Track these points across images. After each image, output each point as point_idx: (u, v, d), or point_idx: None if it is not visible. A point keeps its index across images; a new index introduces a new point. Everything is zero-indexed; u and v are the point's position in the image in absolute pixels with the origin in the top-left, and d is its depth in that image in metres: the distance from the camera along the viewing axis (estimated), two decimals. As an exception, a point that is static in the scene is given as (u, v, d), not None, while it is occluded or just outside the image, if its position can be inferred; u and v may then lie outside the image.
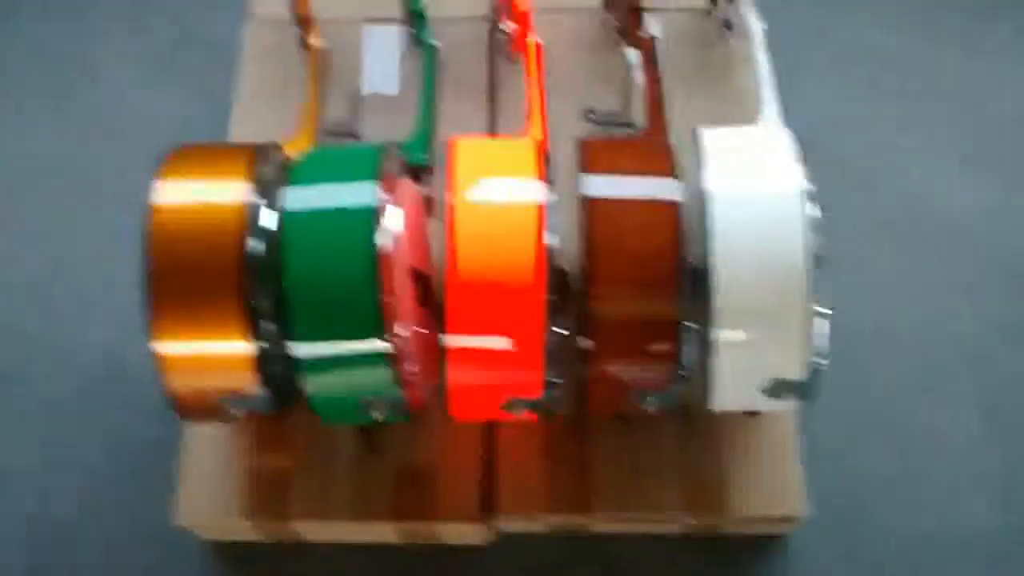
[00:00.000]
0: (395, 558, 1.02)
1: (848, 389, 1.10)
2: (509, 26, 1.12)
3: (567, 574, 1.03)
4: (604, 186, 0.80)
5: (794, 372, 0.80)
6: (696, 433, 0.98)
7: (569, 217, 0.80)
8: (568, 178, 0.86)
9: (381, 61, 1.18)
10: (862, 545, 1.04)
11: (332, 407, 0.84)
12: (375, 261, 0.75)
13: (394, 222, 0.78)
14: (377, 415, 0.82)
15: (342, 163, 0.82)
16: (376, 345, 0.77)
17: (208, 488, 0.97)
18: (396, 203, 0.80)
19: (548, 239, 0.76)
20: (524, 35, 1.07)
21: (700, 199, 0.78)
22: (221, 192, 0.79)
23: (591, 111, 1.12)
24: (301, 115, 1.01)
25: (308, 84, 1.06)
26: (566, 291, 0.81)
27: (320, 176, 0.81)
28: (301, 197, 0.79)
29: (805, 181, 0.78)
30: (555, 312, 0.78)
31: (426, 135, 0.98)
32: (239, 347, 0.78)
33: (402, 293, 0.80)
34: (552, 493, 0.96)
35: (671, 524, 0.99)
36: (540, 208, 0.77)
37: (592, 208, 0.78)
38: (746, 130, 0.89)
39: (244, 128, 1.15)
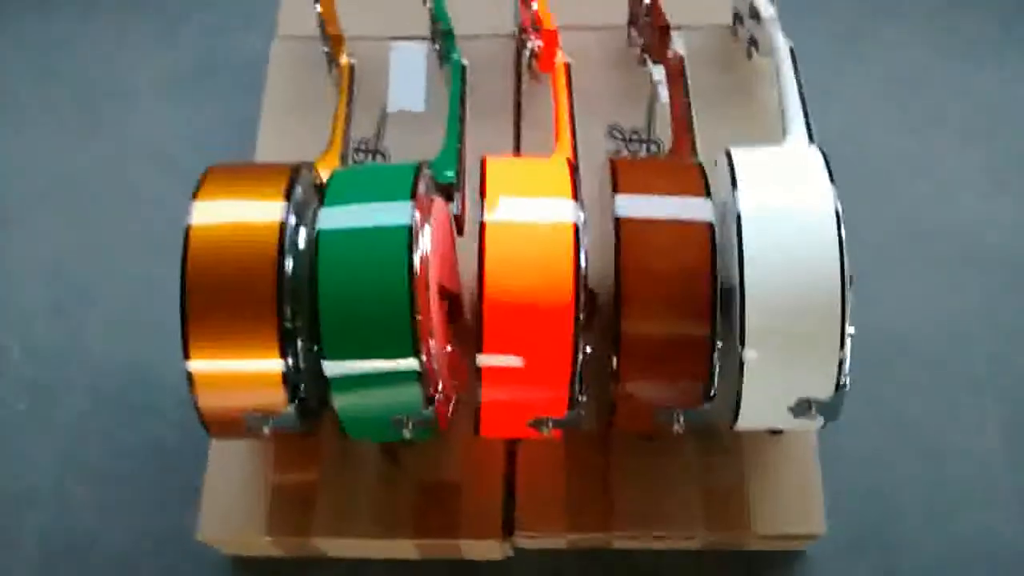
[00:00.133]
0: (415, 572, 1.02)
1: (870, 404, 1.10)
2: (535, 44, 1.12)
3: (588, 588, 1.03)
4: (636, 206, 0.80)
5: (822, 392, 0.79)
6: (717, 450, 0.98)
7: (594, 234, 0.80)
8: (593, 194, 0.86)
9: (407, 78, 1.19)
10: (884, 560, 1.04)
11: (362, 425, 0.84)
12: (410, 281, 0.75)
13: (427, 242, 0.78)
14: (407, 433, 0.82)
15: (377, 182, 0.83)
16: (408, 364, 0.77)
17: (230, 503, 0.97)
18: (428, 222, 0.80)
19: (581, 259, 0.76)
20: (551, 53, 1.07)
21: (732, 219, 0.78)
22: (258, 212, 0.79)
23: (615, 128, 1.12)
24: (330, 133, 1.01)
25: (338, 102, 1.06)
26: (592, 308, 0.81)
27: (355, 196, 0.81)
28: (337, 216, 0.79)
29: (838, 202, 0.77)
30: (582, 330, 0.78)
31: (453, 153, 0.98)
32: (272, 365, 0.78)
33: (433, 312, 0.80)
34: (573, 510, 0.96)
35: (692, 540, 0.99)
36: (574, 228, 0.77)
37: (624, 228, 0.78)
38: (778, 150, 0.89)
39: (270, 145, 1.15)
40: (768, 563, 1.03)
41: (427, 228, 0.80)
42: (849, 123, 1.32)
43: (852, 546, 1.03)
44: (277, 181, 0.82)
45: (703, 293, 0.77)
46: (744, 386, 0.78)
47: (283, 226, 0.79)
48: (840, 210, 0.77)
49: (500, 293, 0.76)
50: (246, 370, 0.79)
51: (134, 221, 1.28)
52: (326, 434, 0.89)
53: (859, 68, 1.40)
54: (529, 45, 1.14)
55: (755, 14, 1.10)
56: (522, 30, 1.18)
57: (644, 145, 1.12)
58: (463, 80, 1.07)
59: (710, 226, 0.78)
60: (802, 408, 0.80)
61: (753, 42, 1.14)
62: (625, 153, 1.11)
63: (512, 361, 0.77)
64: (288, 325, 0.77)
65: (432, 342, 0.79)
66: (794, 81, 0.99)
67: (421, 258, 0.77)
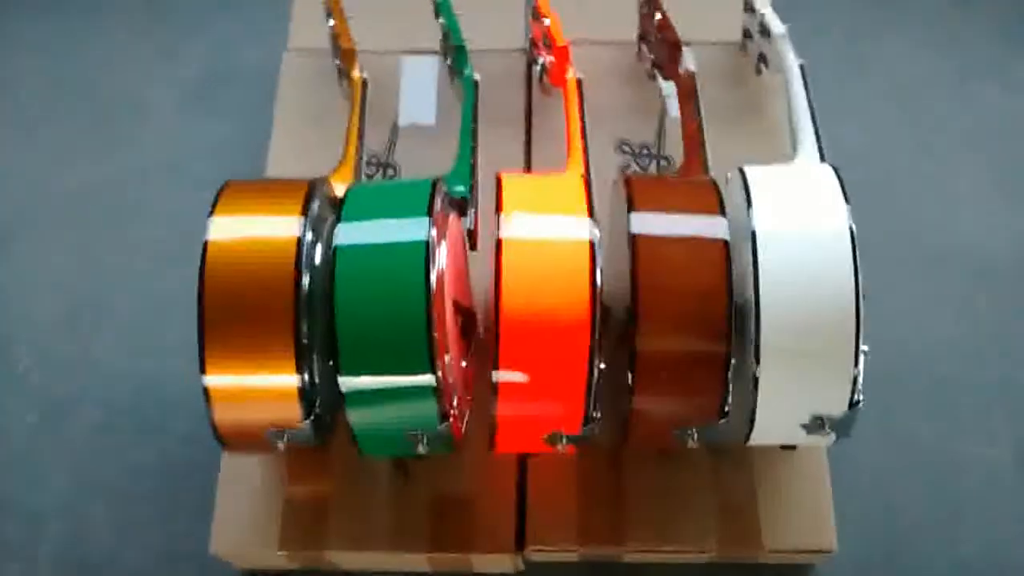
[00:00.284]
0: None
1: (880, 420, 1.10)
2: (546, 59, 1.13)
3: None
4: (651, 224, 0.80)
5: (836, 409, 0.80)
6: (729, 464, 0.98)
7: (607, 251, 0.81)
8: (603, 208, 0.87)
9: (418, 92, 1.20)
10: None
11: (376, 440, 0.84)
12: (427, 297, 0.75)
13: (443, 257, 0.79)
14: (421, 448, 0.82)
15: (394, 198, 0.83)
16: (425, 379, 0.77)
17: (244, 517, 0.97)
18: (444, 238, 0.81)
19: (598, 277, 0.77)
20: (563, 69, 1.08)
21: (746, 237, 0.79)
22: (275, 228, 0.80)
23: (625, 143, 1.13)
24: (343, 147, 1.02)
25: (350, 116, 1.06)
26: (605, 324, 0.81)
27: (372, 211, 0.81)
28: (353, 232, 0.79)
29: (851, 220, 0.78)
30: (597, 346, 0.78)
31: (467, 167, 0.98)
32: (288, 381, 0.78)
33: (448, 327, 0.81)
34: (585, 524, 0.97)
35: (704, 555, 0.99)
36: (591, 245, 0.78)
37: (640, 245, 0.79)
38: (792, 168, 0.90)
39: (282, 158, 1.16)
40: (779, 576, 1.04)
41: (443, 244, 0.80)
42: (855, 139, 1.33)
43: (862, 562, 1.04)
44: (294, 197, 0.83)
45: (718, 311, 0.77)
46: (758, 403, 0.79)
47: (300, 242, 0.79)
48: (854, 229, 0.77)
49: (517, 310, 0.76)
50: (262, 385, 0.79)
51: (145, 233, 1.29)
52: (338, 447, 0.89)
53: (862, 83, 1.41)
54: (540, 60, 1.15)
55: (765, 31, 1.10)
56: (533, 45, 1.18)
57: (654, 160, 1.13)
58: (475, 95, 1.07)
59: (725, 244, 0.79)
60: (815, 425, 0.80)
61: (762, 58, 1.14)
62: (635, 168, 1.12)
63: (528, 378, 0.78)
64: (304, 341, 0.78)
65: (447, 357, 0.79)
66: (804, 98, 1.00)
67: (437, 274, 0.77)
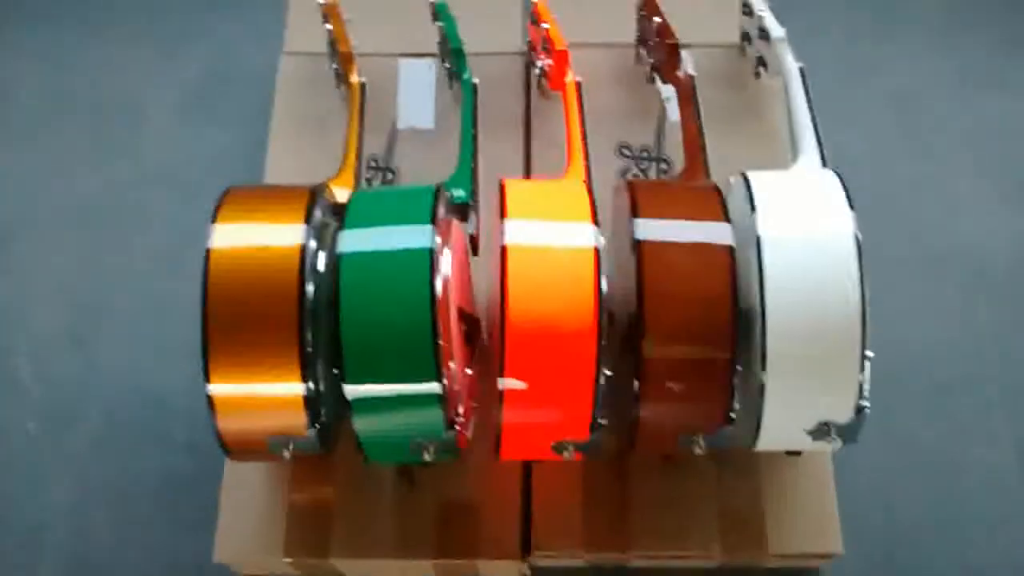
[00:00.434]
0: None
1: (882, 424, 1.10)
2: (545, 62, 1.13)
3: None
4: (656, 230, 0.80)
5: (842, 415, 0.80)
6: (734, 470, 0.98)
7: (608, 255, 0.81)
8: (604, 212, 0.86)
9: (416, 96, 1.19)
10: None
11: (382, 448, 0.84)
12: (433, 304, 0.75)
13: (447, 264, 0.79)
14: (427, 456, 0.82)
15: (397, 205, 0.83)
16: (431, 387, 0.77)
17: (248, 524, 0.97)
18: (448, 245, 0.80)
19: (603, 284, 0.77)
20: (562, 73, 1.08)
21: (750, 242, 0.79)
22: (278, 235, 0.79)
23: (625, 146, 1.13)
24: (343, 152, 1.01)
25: (349, 121, 1.06)
26: (609, 329, 0.81)
27: (375, 218, 0.81)
28: (357, 239, 0.79)
29: (857, 227, 0.78)
30: (602, 353, 0.78)
31: (468, 172, 0.98)
32: (293, 389, 0.78)
33: (453, 335, 0.81)
34: (590, 529, 0.97)
35: (709, 559, 0.99)
36: (595, 252, 0.78)
37: (644, 251, 0.79)
38: (795, 173, 0.90)
39: (280, 162, 1.15)
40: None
41: (447, 251, 0.80)
42: (854, 141, 1.33)
43: (865, 564, 1.04)
44: (296, 204, 0.82)
45: (724, 317, 0.77)
46: (764, 409, 0.79)
47: (304, 249, 0.79)
48: (860, 235, 0.78)
49: (522, 317, 0.76)
50: (267, 394, 0.79)
51: (145, 239, 1.28)
52: (342, 453, 0.89)
53: (862, 89, 1.41)
54: (538, 64, 1.15)
55: (764, 34, 1.10)
56: (531, 48, 1.18)
57: (653, 163, 1.13)
58: (475, 99, 1.07)
59: (730, 249, 0.79)
60: (822, 431, 0.81)
61: (761, 62, 1.14)
62: (635, 171, 1.12)
63: (534, 385, 0.77)
64: (309, 349, 0.78)
65: (452, 365, 0.79)
66: (805, 102, 1.00)
67: (442, 281, 0.77)
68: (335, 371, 0.78)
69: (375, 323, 0.76)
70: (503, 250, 0.78)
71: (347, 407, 0.79)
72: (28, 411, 1.17)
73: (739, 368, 0.79)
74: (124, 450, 1.14)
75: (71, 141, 1.39)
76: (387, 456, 0.87)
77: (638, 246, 0.79)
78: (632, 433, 0.83)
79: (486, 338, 0.93)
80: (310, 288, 0.78)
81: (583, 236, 0.79)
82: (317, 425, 0.81)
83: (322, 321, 0.78)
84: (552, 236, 0.79)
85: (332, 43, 1.15)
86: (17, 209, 1.33)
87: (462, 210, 0.95)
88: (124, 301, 1.24)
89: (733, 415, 0.81)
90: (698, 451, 0.83)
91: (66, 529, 1.09)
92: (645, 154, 1.13)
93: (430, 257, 0.76)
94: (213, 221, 0.81)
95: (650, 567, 1.02)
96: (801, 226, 0.79)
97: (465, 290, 0.93)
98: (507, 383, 0.77)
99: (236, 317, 0.77)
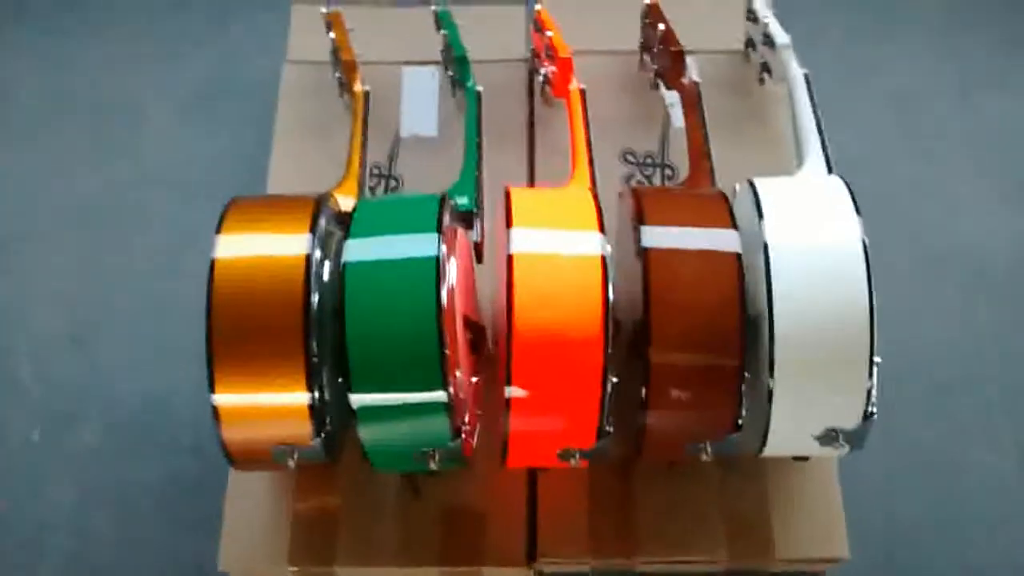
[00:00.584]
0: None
1: (883, 424, 1.10)
2: (548, 70, 1.13)
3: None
4: (663, 237, 0.80)
5: (849, 421, 0.80)
6: (740, 475, 0.98)
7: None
8: (610, 220, 0.86)
9: (419, 103, 1.19)
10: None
11: (388, 456, 0.84)
12: (439, 313, 0.75)
13: (452, 273, 0.79)
14: (433, 464, 0.82)
15: (402, 213, 0.83)
16: (437, 396, 0.77)
17: (252, 533, 0.97)
18: (453, 253, 0.80)
19: (610, 292, 0.77)
20: (566, 80, 1.08)
21: (757, 249, 0.79)
22: (283, 245, 0.79)
23: (629, 153, 1.13)
24: (347, 160, 1.01)
25: (353, 129, 1.06)
26: (615, 336, 0.81)
27: (381, 227, 0.81)
28: (363, 248, 0.79)
29: (864, 233, 0.78)
30: (609, 361, 0.78)
31: (472, 180, 0.98)
32: (299, 399, 0.78)
33: (459, 343, 0.81)
34: (596, 536, 0.96)
35: (715, 565, 0.99)
36: (602, 260, 0.78)
37: (651, 259, 0.79)
38: (802, 179, 0.90)
39: (283, 170, 1.15)
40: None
41: (453, 260, 0.80)
42: (856, 146, 1.33)
43: (868, 566, 1.04)
44: (301, 213, 0.82)
45: (731, 324, 0.77)
46: (772, 416, 0.79)
47: (309, 259, 0.79)
48: (867, 242, 0.77)
49: (530, 326, 0.76)
50: (272, 403, 0.79)
51: (147, 243, 1.28)
52: (346, 462, 0.89)
53: (862, 90, 1.41)
54: (542, 71, 1.15)
55: (768, 40, 1.10)
56: (534, 56, 1.18)
57: (658, 170, 1.13)
58: (478, 107, 1.07)
59: (737, 256, 0.79)
60: (829, 437, 0.80)
61: (765, 68, 1.14)
62: (639, 178, 1.12)
63: (541, 393, 0.77)
64: (314, 358, 0.77)
65: (458, 373, 0.79)
66: (810, 108, 1.00)
67: (448, 290, 0.77)
68: (340, 380, 0.78)
69: (381, 332, 0.76)
70: (510, 259, 0.78)
71: (352, 416, 0.79)
72: (28, 412, 1.17)
73: (747, 375, 0.79)
74: (125, 452, 1.14)
75: (71, 142, 1.39)
76: (392, 464, 0.87)
77: (645, 253, 0.79)
78: (639, 440, 0.82)
79: (491, 346, 0.93)
80: (315, 298, 0.78)
81: (590, 244, 0.79)
82: (322, 434, 0.80)
83: (327, 330, 0.78)
84: (559, 244, 0.79)
85: (335, 52, 1.15)
86: (17, 210, 1.33)
87: (466, 218, 0.95)
88: (124, 302, 1.24)
89: (741, 422, 0.80)
90: (705, 458, 0.83)
91: (66, 531, 1.09)
92: (649, 161, 1.13)
93: (436, 266, 0.76)
94: (218, 231, 0.81)
95: (656, 572, 1.02)
96: (808, 233, 0.79)
97: (470, 298, 0.93)
98: (514, 391, 0.77)
99: (241, 327, 0.77)
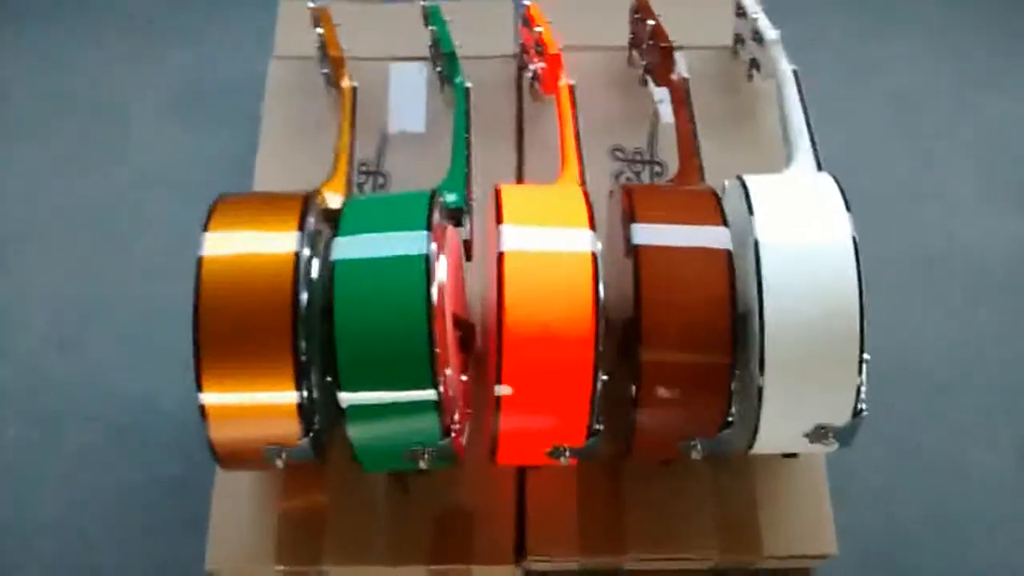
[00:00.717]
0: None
1: (882, 427, 1.10)
2: (538, 66, 1.12)
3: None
4: (653, 234, 0.80)
5: (839, 418, 0.80)
6: (729, 472, 0.98)
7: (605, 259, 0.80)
8: (599, 215, 0.86)
9: (408, 99, 1.19)
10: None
11: (377, 455, 0.83)
12: (428, 311, 0.74)
13: (442, 271, 0.78)
14: (423, 463, 0.81)
15: (392, 211, 0.82)
16: (427, 394, 0.76)
17: (240, 532, 0.96)
18: (443, 251, 0.80)
19: (600, 289, 0.76)
20: (555, 76, 1.07)
21: (747, 246, 0.78)
22: (272, 243, 0.79)
23: (618, 149, 1.13)
24: (335, 157, 1.01)
25: (341, 125, 1.05)
26: (606, 335, 0.81)
27: (370, 225, 0.80)
28: (352, 246, 0.78)
29: (854, 230, 0.78)
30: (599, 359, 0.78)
31: (461, 177, 0.98)
32: (287, 398, 0.77)
33: (449, 341, 0.80)
34: (585, 534, 0.96)
35: (704, 562, 0.99)
36: (593, 257, 0.77)
37: (643, 256, 0.78)
38: (791, 176, 0.90)
39: (270, 167, 1.14)
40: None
41: (442, 257, 0.79)
42: (853, 146, 1.33)
43: (864, 566, 1.04)
44: (289, 211, 0.81)
45: (722, 321, 0.77)
46: (762, 413, 0.79)
47: (298, 257, 0.78)
48: (857, 238, 0.77)
49: (520, 323, 0.76)
50: (261, 402, 0.78)
51: (136, 244, 1.27)
52: (334, 461, 0.88)
53: (861, 91, 1.41)
54: (531, 67, 1.14)
55: (757, 36, 1.10)
56: (523, 52, 1.18)
57: (647, 166, 1.13)
58: (467, 103, 1.06)
59: (728, 253, 0.79)
60: (819, 434, 0.80)
61: (754, 64, 1.14)
62: (628, 174, 1.12)
63: (531, 392, 0.77)
64: (303, 357, 0.77)
65: (448, 371, 0.78)
66: (799, 104, 1.00)
67: (438, 288, 0.76)
68: (328, 379, 0.77)
69: (370, 330, 0.76)
70: (500, 256, 0.77)
71: (340, 415, 0.78)
72: (17, 417, 1.16)
73: (737, 372, 0.79)
74: (116, 457, 1.13)
75: (63, 143, 1.38)
76: (382, 464, 0.86)
77: (636, 251, 0.79)
78: (629, 438, 0.82)
79: (480, 343, 0.93)
80: (304, 296, 0.77)
81: (580, 241, 0.79)
82: (311, 434, 0.80)
83: (316, 329, 0.78)
84: (549, 241, 0.79)
85: (322, 47, 1.15)
86: (9, 211, 1.31)
87: (455, 215, 0.94)
88: (115, 304, 1.24)
89: (731, 419, 0.80)
90: (695, 456, 0.83)
91: (54, 534, 1.08)
92: (638, 157, 1.13)
93: (426, 264, 0.76)
94: (205, 229, 0.80)
95: (645, 570, 1.02)
96: (799, 230, 0.79)
97: (459, 295, 0.92)
98: (504, 389, 0.76)
99: (229, 326, 0.76)
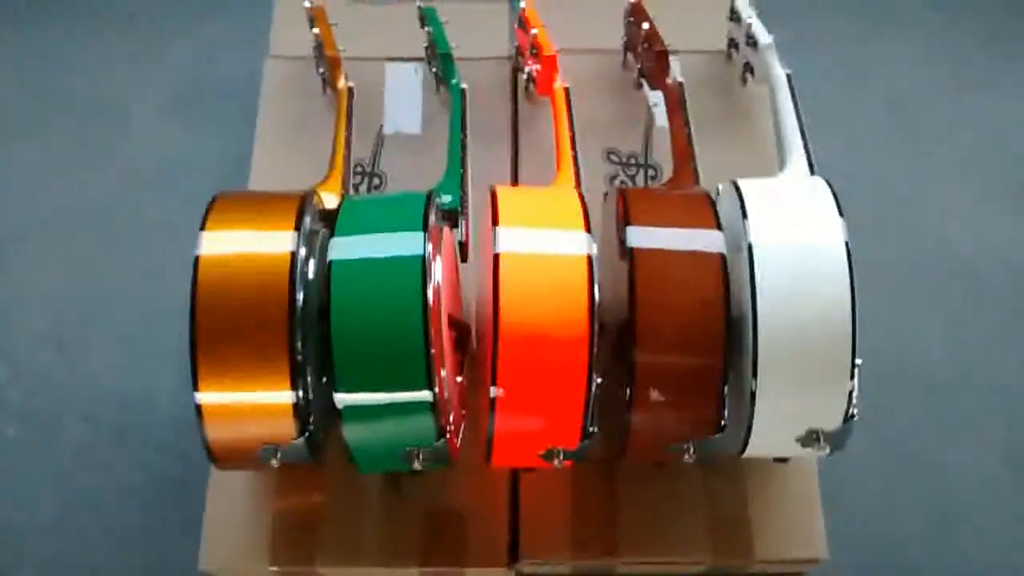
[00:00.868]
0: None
1: (873, 431, 1.11)
2: (532, 68, 1.12)
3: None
4: (648, 237, 0.80)
5: (831, 422, 0.80)
6: (721, 476, 0.98)
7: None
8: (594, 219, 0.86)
9: (403, 100, 1.19)
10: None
11: (372, 456, 0.83)
12: (425, 312, 0.75)
13: (438, 272, 0.78)
14: (418, 464, 0.82)
15: (388, 211, 0.82)
16: (422, 395, 0.76)
17: (234, 533, 0.96)
18: (438, 251, 0.80)
19: (596, 292, 0.77)
20: (551, 78, 1.08)
21: (741, 249, 0.79)
22: (268, 243, 0.79)
23: (612, 152, 1.13)
24: (331, 157, 1.01)
25: (337, 126, 1.05)
26: (600, 338, 0.81)
27: (366, 225, 0.80)
28: (348, 246, 0.78)
29: (846, 234, 0.79)
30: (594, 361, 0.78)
31: (456, 179, 0.98)
32: (283, 397, 0.77)
33: (444, 342, 0.80)
34: (578, 537, 0.96)
35: (695, 566, 1.00)
36: (588, 260, 0.78)
37: (637, 259, 0.79)
38: (785, 180, 0.90)
39: (265, 167, 1.14)
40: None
41: (438, 258, 0.79)
42: (849, 149, 1.34)
43: (855, 570, 1.04)
44: (286, 210, 0.82)
45: (715, 325, 0.77)
46: (755, 416, 0.79)
47: (294, 256, 0.78)
48: (850, 243, 0.78)
49: (515, 325, 0.76)
50: (256, 402, 0.78)
51: (131, 245, 1.27)
52: (329, 462, 0.89)
53: (856, 95, 1.42)
54: (527, 69, 1.15)
55: (751, 40, 1.11)
56: (519, 54, 1.18)
57: (642, 170, 1.13)
58: (463, 104, 1.07)
59: (722, 257, 0.79)
60: (811, 438, 0.81)
61: (748, 68, 1.15)
62: (623, 177, 1.12)
63: (526, 393, 0.77)
64: (299, 357, 0.77)
65: (443, 372, 0.79)
66: (792, 109, 1.00)
67: (434, 289, 0.76)
68: (324, 379, 0.77)
69: (367, 331, 0.76)
70: (495, 258, 0.78)
71: (336, 415, 0.78)
72: (10, 417, 1.16)
73: (730, 375, 0.79)
74: (110, 457, 1.13)
75: (54, 144, 1.38)
76: (377, 465, 0.86)
77: (631, 254, 0.79)
78: (623, 440, 0.83)
79: (475, 345, 0.93)
80: (300, 296, 0.77)
81: (576, 244, 0.79)
82: (306, 434, 0.80)
83: (312, 329, 0.78)
84: (545, 244, 0.79)
85: (318, 47, 1.15)
86: (6, 212, 1.31)
87: (451, 216, 0.94)
88: (110, 305, 1.23)
89: (724, 422, 0.81)
90: (688, 459, 0.83)
91: (49, 534, 1.08)
92: (633, 160, 1.14)
93: (422, 265, 0.76)
94: (202, 228, 0.80)
95: (637, 573, 1.02)
96: (792, 234, 0.79)
97: (455, 297, 0.92)
98: (499, 391, 0.77)
99: (225, 325, 0.76)
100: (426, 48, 1.17)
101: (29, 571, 1.06)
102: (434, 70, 1.17)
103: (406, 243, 0.78)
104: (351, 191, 1.06)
